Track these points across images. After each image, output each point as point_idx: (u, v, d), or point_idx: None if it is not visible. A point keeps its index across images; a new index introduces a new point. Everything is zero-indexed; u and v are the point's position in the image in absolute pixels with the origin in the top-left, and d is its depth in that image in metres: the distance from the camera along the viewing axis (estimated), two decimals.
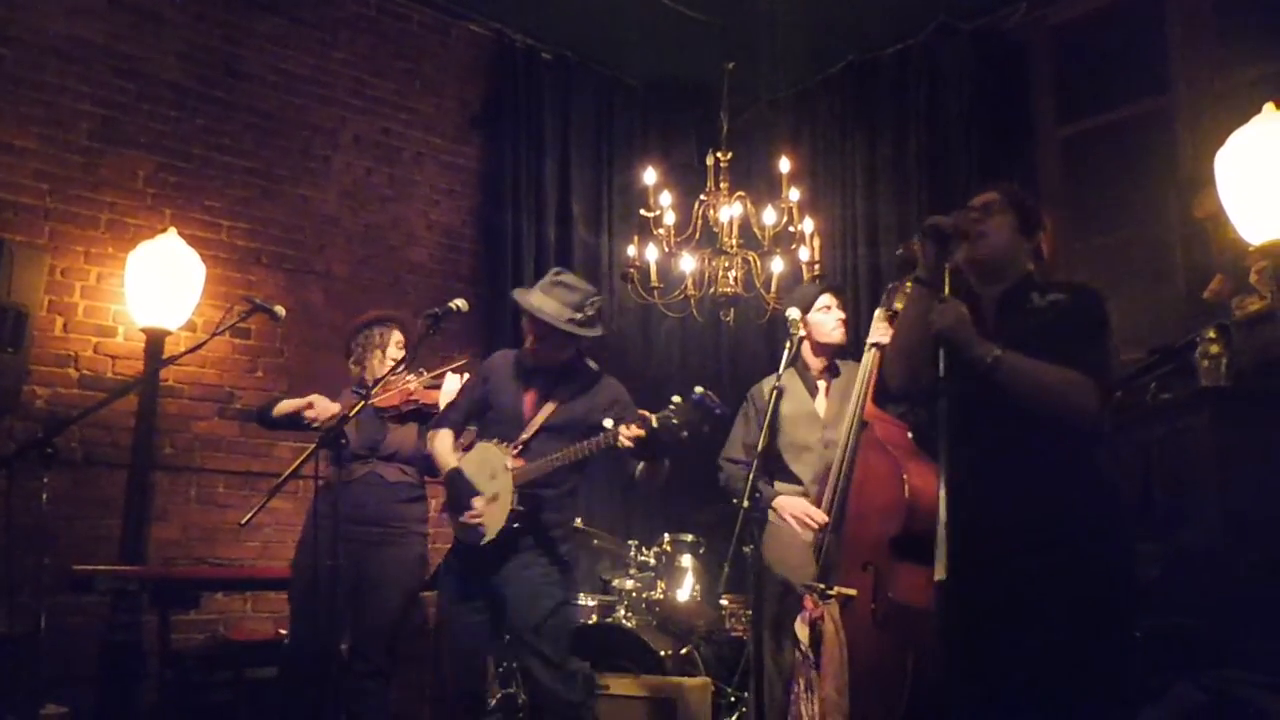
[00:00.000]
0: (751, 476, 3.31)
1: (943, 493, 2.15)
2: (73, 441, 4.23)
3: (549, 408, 3.37)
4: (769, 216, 4.36)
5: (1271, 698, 2.64)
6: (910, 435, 3.41)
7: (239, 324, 4.17)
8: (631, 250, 4.55)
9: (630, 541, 4.56)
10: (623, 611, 4.29)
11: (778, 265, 4.43)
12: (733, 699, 4.12)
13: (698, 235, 4.49)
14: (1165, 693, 2.77)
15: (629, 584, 4.35)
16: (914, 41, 5.46)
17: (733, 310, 4.50)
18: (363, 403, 3.26)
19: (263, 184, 4.96)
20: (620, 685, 3.86)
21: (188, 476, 4.60)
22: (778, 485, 3.81)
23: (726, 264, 4.42)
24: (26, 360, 4.02)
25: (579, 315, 3.31)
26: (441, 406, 3.68)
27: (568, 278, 3.40)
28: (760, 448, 3.46)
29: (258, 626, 4.55)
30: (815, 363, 3.91)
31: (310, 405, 3.78)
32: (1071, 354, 2.28)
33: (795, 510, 3.65)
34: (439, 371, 3.88)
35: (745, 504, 3.24)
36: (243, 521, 3.35)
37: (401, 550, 3.71)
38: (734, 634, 4.38)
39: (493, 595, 3.29)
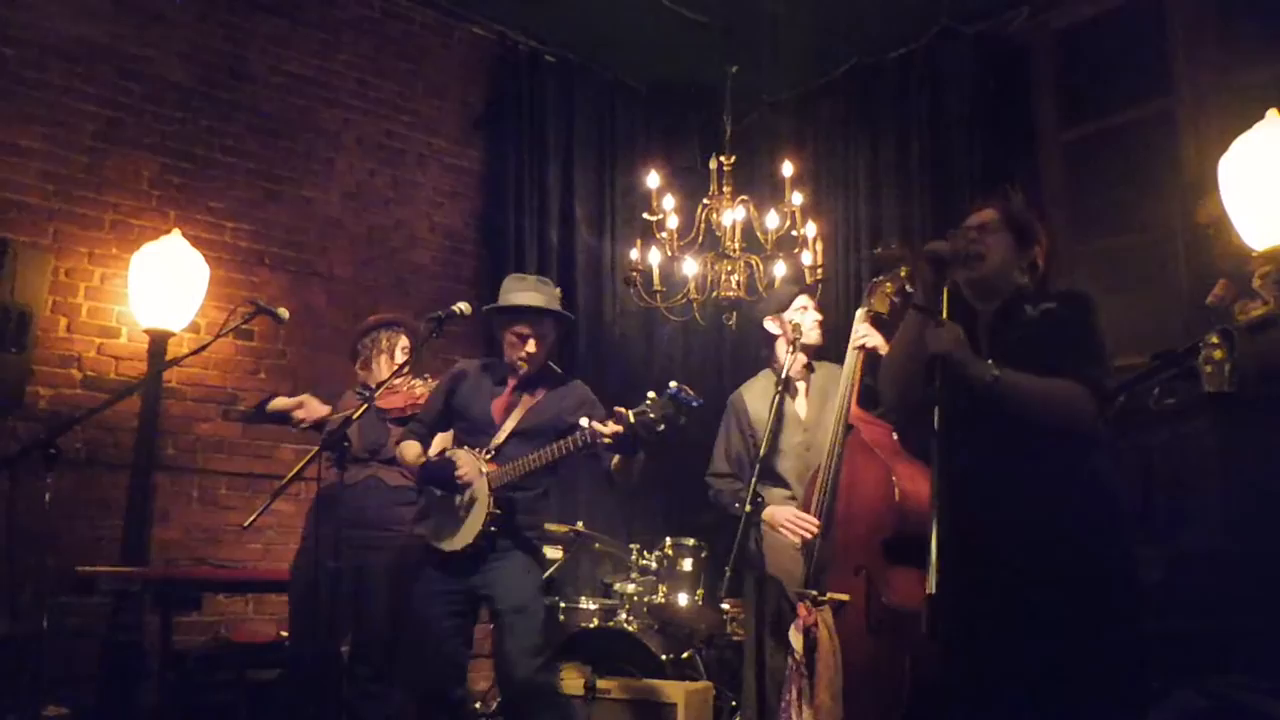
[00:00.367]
0: (754, 481, 3.29)
1: (935, 504, 2.14)
2: (76, 442, 4.23)
3: (519, 413, 3.39)
4: (772, 220, 4.35)
5: (1274, 704, 2.64)
6: (895, 436, 3.41)
7: (242, 326, 4.17)
8: (634, 253, 4.55)
9: (632, 545, 4.55)
10: (624, 615, 4.28)
11: (780, 269, 4.43)
12: (734, 703, 4.11)
13: (700, 239, 4.49)
14: (1166, 698, 2.77)
15: (630, 588, 4.34)
16: (917, 45, 5.46)
17: (735, 314, 4.49)
18: (365, 405, 3.26)
19: (266, 185, 4.97)
20: (621, 689, 3.85)
21: (190, 478, 4.61)
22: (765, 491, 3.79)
23: (729, 268, 4.41)
24: (30, 361, 4.03)
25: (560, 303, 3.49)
26: None
27: (529, 276, 3.55)
28: (763, 452, 3.43)
29: (259, 628, 4.55)
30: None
31: (301, 405, 3.82)
32: (1065, 363, 2.30)
33: (786, 517, 3.57)
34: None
35: (747, 509, 3.21)
36: (245, 524, 3.37)
37: (402, 554, 3.71)
38: (735, 638, 4.36)
39: (470, 595, 3.30)
